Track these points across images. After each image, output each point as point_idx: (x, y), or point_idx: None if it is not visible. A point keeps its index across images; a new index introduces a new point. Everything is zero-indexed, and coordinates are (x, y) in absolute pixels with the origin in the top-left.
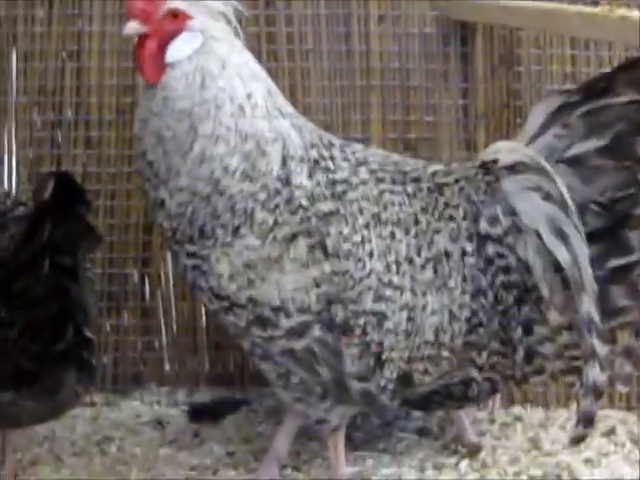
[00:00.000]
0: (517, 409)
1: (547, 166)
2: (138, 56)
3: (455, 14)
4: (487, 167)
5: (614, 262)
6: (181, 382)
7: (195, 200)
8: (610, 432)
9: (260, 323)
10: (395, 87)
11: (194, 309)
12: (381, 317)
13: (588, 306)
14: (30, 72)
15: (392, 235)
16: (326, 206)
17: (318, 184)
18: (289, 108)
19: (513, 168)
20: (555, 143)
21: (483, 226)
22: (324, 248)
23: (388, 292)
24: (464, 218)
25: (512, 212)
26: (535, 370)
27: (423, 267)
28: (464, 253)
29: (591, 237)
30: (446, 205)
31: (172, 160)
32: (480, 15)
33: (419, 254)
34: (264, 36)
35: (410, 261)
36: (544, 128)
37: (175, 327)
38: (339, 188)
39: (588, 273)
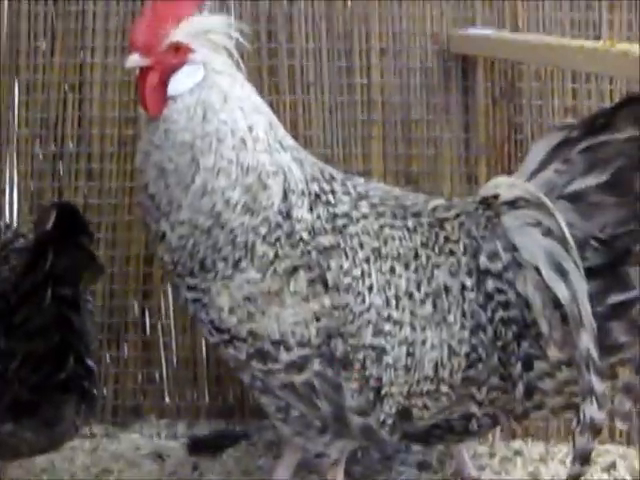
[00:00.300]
0: (517, 443)
1: (547, 202)
2: (140, 89)
3: (456, 48)
4: (487, 202)
5: (614, 298)
6: (181, 415)
7: (196, 233)
8: (610, 467)
9: (260, 356)
10: (396, 120)
11: (194, 342)
12: (380, 352)
13: (587, 343)
14: (32, 104)
15: (392, 270)
16: (327, 240)
17: (319, 217)
18: (290, 141)
19: (513, 203)
20: (556, 179)
21: (483, 261)
22: (324, 282)
23: (387, 327)
24: (464, 253)
25: (512, 247)
26: (535, 405)
27: (423, 302)
28: (464, 288)
29: (591, 273)
30: (446, 240)
31: (173, 193)
32: (481, 49)
33: (419, 289)
34: (266, 69)
35: (410, 296)
36: (545, 164)
37: (175, 360)
38: (340, 222)
39: (587, 310)
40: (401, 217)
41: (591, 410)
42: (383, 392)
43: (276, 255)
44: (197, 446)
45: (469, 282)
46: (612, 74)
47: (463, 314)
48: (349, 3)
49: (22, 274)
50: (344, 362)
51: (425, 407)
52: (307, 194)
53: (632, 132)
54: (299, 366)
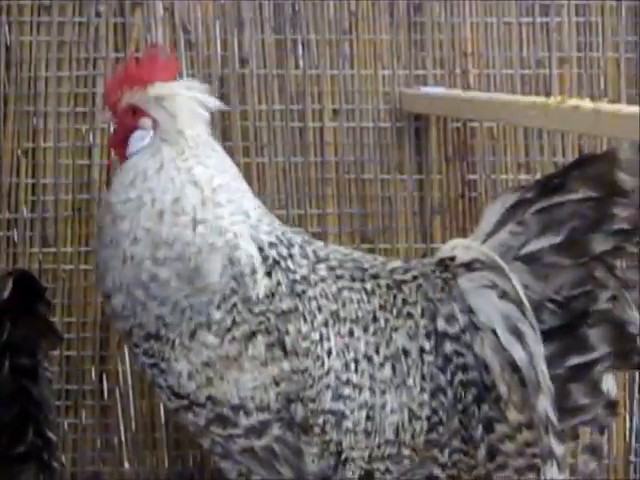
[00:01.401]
0: None
1: (502, 264)
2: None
3: (408, 107)
4: (445, 264)
5: (573, 360)
6: None
7: (135, 303)
8: None
9: (220, 421)
10: (350, 180)
11: (153, 406)
12: (340, 416)
13: (545, 406)
14: None
15: (351, 332)
16: (284, 304)
17: (278, 284)
18: (251, 210)
19: (469, 265)
20: (510, 240)
21: (440, 324)
22: (283, 346)
23: (347, 391)
24: (422, 315)
25: (468, 310)
26: (498, 466)
27: (382, 365)
28: (422, 351)
29: (549, 335)
30: (404, 302)
31: (103, 253)
32: (433, 107)
33: (377, 352)
34: (219, 132)
35: (369, 359)
36: (499, 225)
37: (134, 425)
38: (298, 286)
39: (544, 373)
40: (359, 279)
41: (552, 473)
42: (344, 457)
43: (233, 321)
44: None
45: (427, 345)
46: (564, 129)
47: (422, 377)
48: (301, 64)
49: None
50: (304, 426)
51: (387, 471)
52: (263, 260)
53: (585, 193)
54: (259, 431)
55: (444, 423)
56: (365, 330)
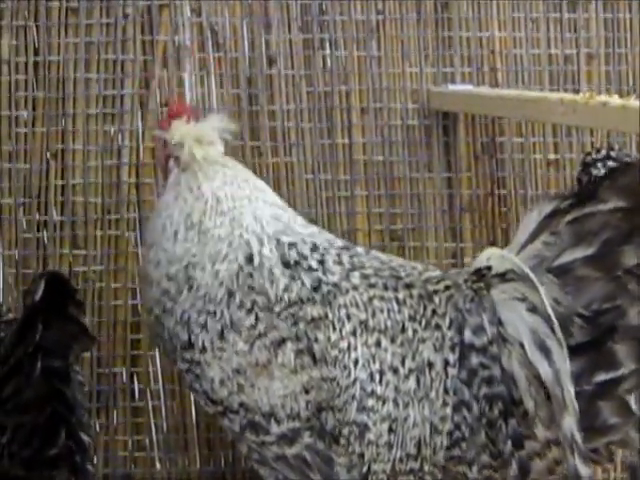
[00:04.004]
0: None
1: (532, 276)
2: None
3: (436, 104)
4: (481, 274)
5: (600, 376)
6: None
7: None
8: None
9: (252, 428)
10: (379, 179)
11: (184, 407)
12: (363, 428)
13: (570, 426)
14: (15, 173)
15: (378, 343)
16: (315, 311)
17: (305, 288)
18: (277, 223)
19: (503, 277)
20: (544, 251)
21: (468, 335)
22: (312, 354)
23: (370, 402)
24: (449, 327)
25: (498, 321)
26: None
27: (406, 377)
28: (447, 363)
29: (577, 350)
30: (433, 313)
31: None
32: (461, 105)
33: (403, 364)
34: (247, 132)
35: (394, 371)
36: (535, 235)
37: (165, 425)
38: (328, 293)
39: (569, 391)
40: (392, 288)
41: None
42: (366, 469)
43: (256, 320)
44: None
45: (452, 358)
46: (592, 126)
47: (445, 390)
48: (328, 63)
49: (11, 346)
50: (334, 435)
51: None
52: (286, 267)
53: (615, 203)
54: (290, 439)
55: (467, 438)
56: (393, 341)
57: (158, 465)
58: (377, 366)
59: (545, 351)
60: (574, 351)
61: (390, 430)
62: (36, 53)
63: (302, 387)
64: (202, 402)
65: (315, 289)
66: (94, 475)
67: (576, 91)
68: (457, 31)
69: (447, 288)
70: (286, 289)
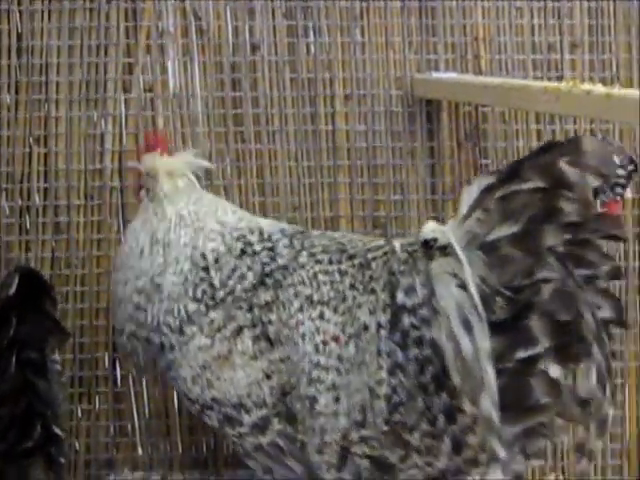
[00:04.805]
0: None
1: (460, 253)
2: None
3: (420, 92)
4: (427, 245)
5: (521, 354)
6: (154, 466)
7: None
8: None
9: (228, 422)
10: (362, 166)
11: (166, 392)
12: (312, 400)
13: (487, 405)
14: None
15: (321, 315)
16: (267, 295)
17: (257, 275)
18: (239, 222)
19: (444, 250)
20: (476, 228)
21: (400, 297)
22: (267, 337)
23: (316, 373)
24: (383, 289)
25: (431, 292)
26: (468, 460)
27: (347, 344)
28: (380, 326)
29: (499, 327)
30: (371, 278)
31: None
32: (445, 92)
33: (344, 331)
34: (231, 118)
35: (336, 340)
36: (471, 210)
37: (147, 411)
38: (278, 276)
39: (488, 371)
40: (337, 261)
41: (496, 475)
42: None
43: (218, 317)
44: None
45: (384, 319)
46: (575, 114)
47: (379, 353)
48: (312, 50)
49: None
50: (300, 418)
51: (366, 455)
52: (239, 258)
53: (535, 183)
54: (261, 427)
55: (405, 403)
56: (335, 311)
57: (140, 450)
58: (321, 337)
59: (468, 328)
60: (497, 328)
61: (336, 399)
62: (19, 38)
63: (263, 373)
64: (186, 402)
65: (267, 275)
66: (76, 462)
67: (560, 79)
68: (441, 19)
69: (385, 254)
70: (241, 278)
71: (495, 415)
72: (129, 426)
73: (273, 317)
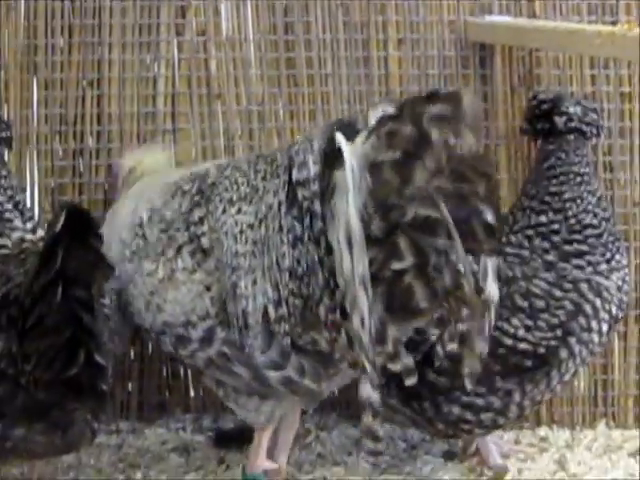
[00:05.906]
0: (543, 430)
1: (348, 173)
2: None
3: (474, 36)
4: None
5: (395, 265)
6: (206, 408)
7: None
8: (637, 452)
9: (180, 342)
10: None
11: None
12: (234, 288)
13: (357, 325)
14: (51, 101)
15: (239, 210)
16: (200, 212)
17: (194, 196)
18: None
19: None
20: (370, 150)
21: (294, 173)
22: (202, 249)
23: (236, 262)
24: (284, 172)
25: (324, 171)
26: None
27: (258, 227)
28: (280, 203)
29: (378, 242)
30: (277, 167)
31: None
32: (498, 37)
33: (256, 217)
34: (283, 61)
35: (251, 227)
36: (371, 131)
37: None
38: (207, 192)
39: (359, 295)
40: (254, 164)
41: (366, 389)
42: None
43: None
44: (223, 439)
45: (282, 195)
46: (630, 59)
47: (281, 228)
48: None
49: (33, 276)
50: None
51: (294, 333)
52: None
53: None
54: (208, 339)
55: (309, 275)
56: (250, 203)
57: (192, 393)
58: (239, 228)
59: (349, 244)
60: (377, 242)
61: (254, 282)
62: None
63: (203, 285)
64: (146, 337)
65: (199, 192)
66: (128, 399)
67: (614, 23)
68: None
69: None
70: (179, 206)
71: (365, 336)
72: (181, 369)
73: (205, 228)
